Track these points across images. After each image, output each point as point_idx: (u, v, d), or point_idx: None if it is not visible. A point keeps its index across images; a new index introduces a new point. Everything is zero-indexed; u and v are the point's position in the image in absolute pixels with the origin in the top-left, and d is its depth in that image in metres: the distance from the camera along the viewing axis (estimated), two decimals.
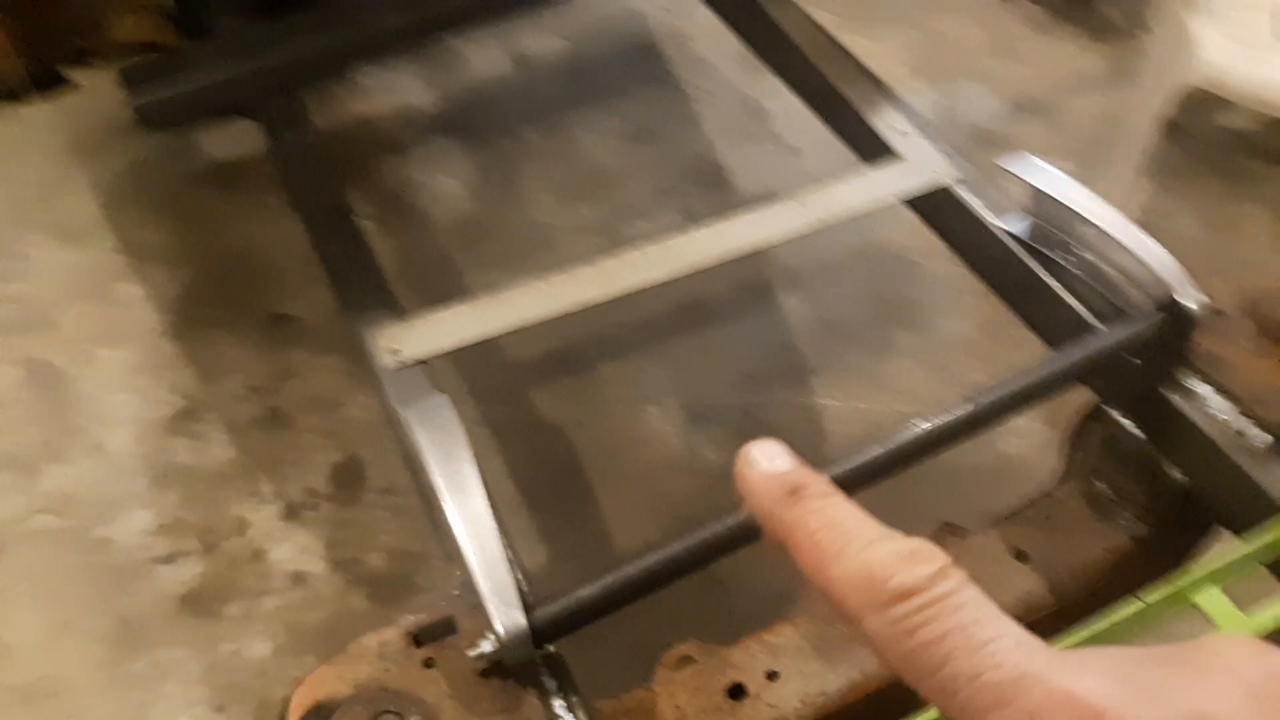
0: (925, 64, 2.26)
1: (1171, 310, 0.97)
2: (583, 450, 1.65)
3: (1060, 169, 2.04)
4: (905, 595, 0.39)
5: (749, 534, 0.91)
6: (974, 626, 0.38)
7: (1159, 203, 1.95)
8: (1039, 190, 1.07)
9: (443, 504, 0.88)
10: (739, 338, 1.80)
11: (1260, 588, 0.89)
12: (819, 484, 0.44)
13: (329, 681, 0.85)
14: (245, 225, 1.84)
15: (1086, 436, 1.11)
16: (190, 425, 1.64)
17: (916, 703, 0.71)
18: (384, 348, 1.06)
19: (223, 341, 1.73)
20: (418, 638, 0.87)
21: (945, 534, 1.14)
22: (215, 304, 1.77)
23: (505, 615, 0.81)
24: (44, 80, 1.38)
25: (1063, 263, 1.09)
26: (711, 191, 1.99)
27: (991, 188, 1.18)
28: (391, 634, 0.87)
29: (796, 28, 1.36)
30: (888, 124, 1.25)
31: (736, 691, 0.93)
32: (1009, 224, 1.14)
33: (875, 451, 0.93)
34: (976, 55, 2.29)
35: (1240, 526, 0.96)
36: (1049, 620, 1.01)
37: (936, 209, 1.21)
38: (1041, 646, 0.38)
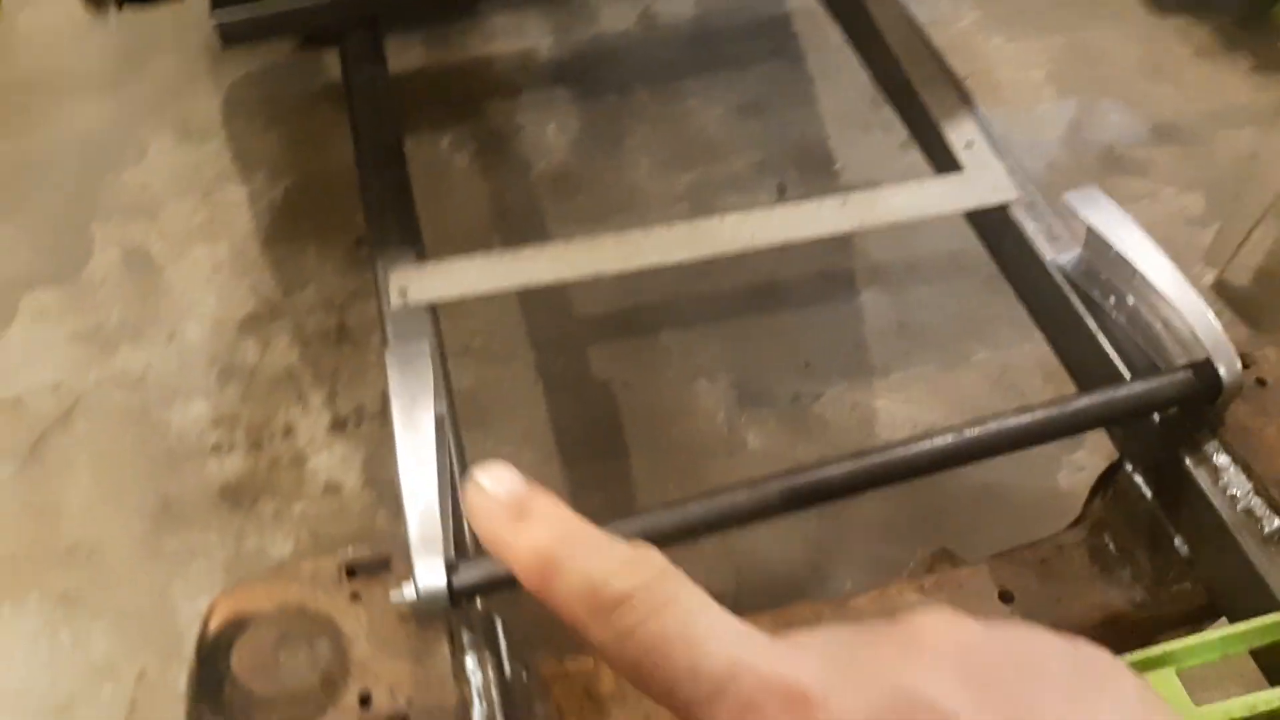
0: (1065, 74, 2.16)
1: (1202, 373, 0.91)
2: (626, 413, 1.65)
3: (1183, 201, 1.95)
4: (624, 599, 0.38)
5: (694, 528, 0.92)
6: (691, 623, 0.38)
7: None
8: (1092, 229, 1.02)
9: (395, 447, 0.89)
10: (807, 325, 1.77)
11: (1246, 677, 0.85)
12: (547, 503, 0.44)
13: (255, 596, 0.87)
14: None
15: (1105, 488, 1.07)
16: (261, 327, 1.71)
17: None
18: (394, 287, 1.08)
19: (307, 253, 1.79)
20: (352, 570, 0.89)
21: (939, 560, 1.11)
22: (308, 217, 1.84)
23: (426, 566, 0.82)
24: None
25: (1106, 306, 1.03)
26: (811, 175, 1.95)
27: (1052, 214, 1.12)
28: (328, 562, 0.89)
29: (890, 22, 1.32)
30: (958, 134, 1.20)
31: None
32: (1061, 256, 1.08)
33: (865, 460, 0.92)
34: (1123, 72, 2.17)
35: (1235, 612, 0.90)
36: None
37: (991, 228, 1.16)
38: (759, 636, 0.38)
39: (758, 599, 1.49)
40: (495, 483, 0.45)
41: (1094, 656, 0.39)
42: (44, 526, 1.55)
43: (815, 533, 1.54)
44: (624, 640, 0.38)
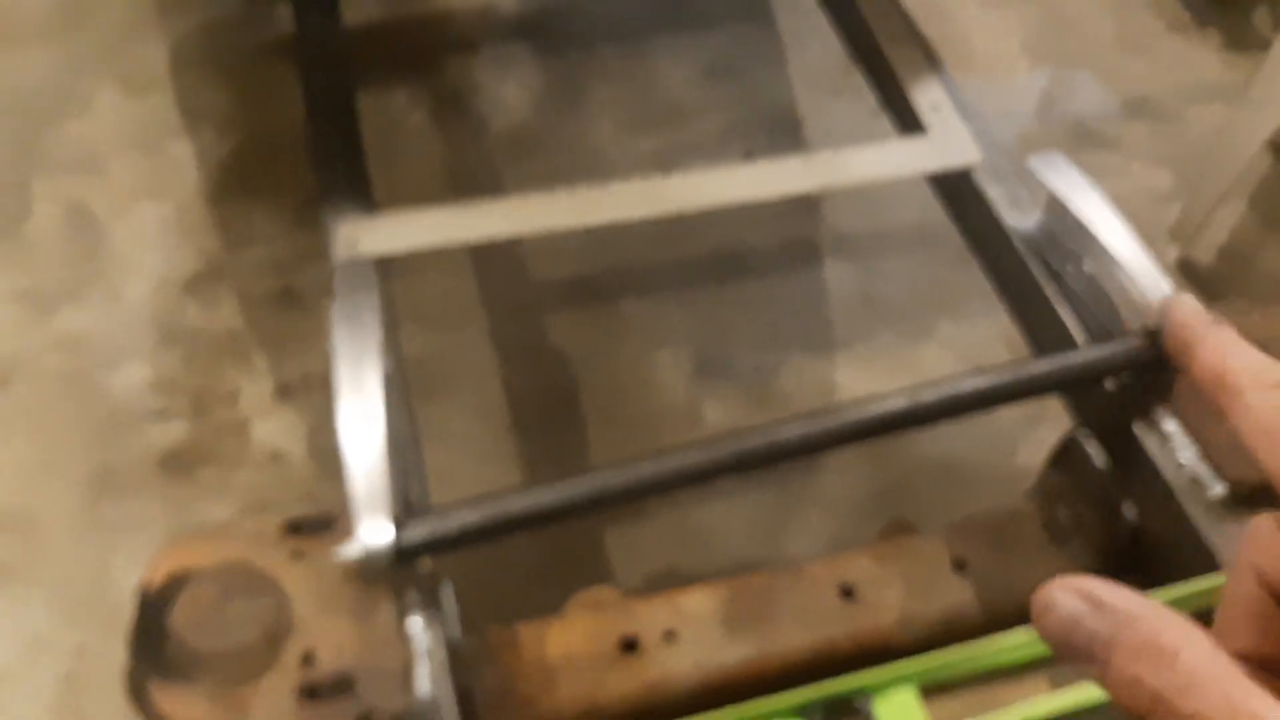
0: (1038, 44, 2.13)
1: (1153, 339, 0.89)
2: (584, 383, 1.61)
3: (1151, 176, 1.93)
4: None
5: (644, 489, 0.89)
6: None
7: (1252, 232, 1.81)
8: (1053, 194, 0.99)
9: (337, 401, 0.86)
10: (771, 296, 1.73)
11: None
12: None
13: (195, 552, 0.85)
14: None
15: (1060, 457, 1.05)
16: (206, 289, 1.66)
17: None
18: (343, 238, 1.04)
19: (256, 213, 1.73)
20: (296, 528, 0.87)
21: (894, 530, 1.09)
22: (258, 175, 1.78)
23: (371, 524, 0.80)
24: None
25: (1065, 272, 1.01)
26: (780, 140, 1.91)
27: (1015, 180, 1.09)
28: (272, 520, 0.87)
29: None
30: (924, 96, 1.17)
31: (630, 645, 0.92)
32: (1022, 221, 1.06)
33: (816, 422, 0.90)
34: (1098, 44, 2.14)
35: (1181, 576, 0.89)
36: (976, 630, 0.97)
37: (954, 192, 1.13)
38: None
39: (713, 572, 1.46)
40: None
41: None
42: None
43: (773, 508, 1.51)
44: None
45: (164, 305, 1.63)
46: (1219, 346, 0.60)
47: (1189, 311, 0.74)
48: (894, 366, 1.67)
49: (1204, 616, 0.82)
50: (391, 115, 1.91)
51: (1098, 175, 1.95)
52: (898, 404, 0.90)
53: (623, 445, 1.56)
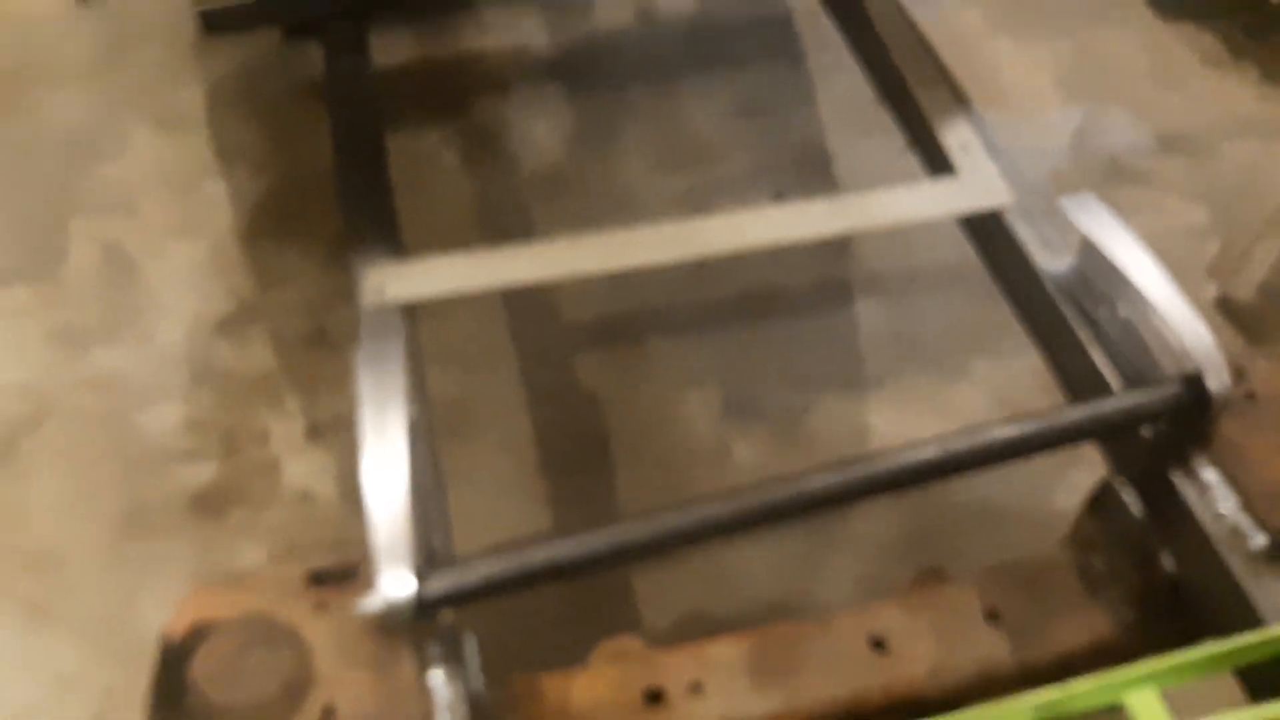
0: (1072, 79, 2.11)
1: (1191, 386, 0.88)
2: (613, 424, 1.61)
3: (1187, 213, 1.90)
4: None
5: (668, 541, 0.88)
6: None
7: None
8: (1086, 238, 0.97)
9: (360, 449, 0.86)
10: (801, 335, 1.72)
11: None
12: None
13: (218, 603, 0.85)
14: None
15: (1095, 504, 1.03)
16: (239, 329, 1.67)
17: None
18: (371, 285, 1.05)
19: (289, 252, 1.75)
20: (318, 578, 0.86)
21: (926, 579, 1.07)
22: (291, 216, 1.80)
23: (392, 576, 0.80)
24: None
25: (1099, 316, 1.00)
26: (809, 178, 1.90)
27: (1047, 221, 1.08)
28: (295, 570, 0.87)
29: (887, 21, 1.28)
30: (954, 137, 1.16)
31: (656, 696, 0.90)
32: (1054, 264, 1.04)
33: (844, 473, 0.90)
34: (1132, 78, 2.12)
35: (1221, 630, 0.87)
36: (1010, 683, 0.95)
37: (985, 234, 1.12)
38: None
39: (742, 616, 1.44)
40: None
41: None
42: (11, 531, 1.51)
43: (803, 551, 1.49)
44: None
45: (197, 345, 1.65)
46: None
47: None
48: (926, 407, 1.65)
49: (1245, 673, 0.81)
50: (424, 155, 1.92)
51: (1132, 211, 1.92)
52: (929, 453, 0.88)
53: (651, 485, 1.55)
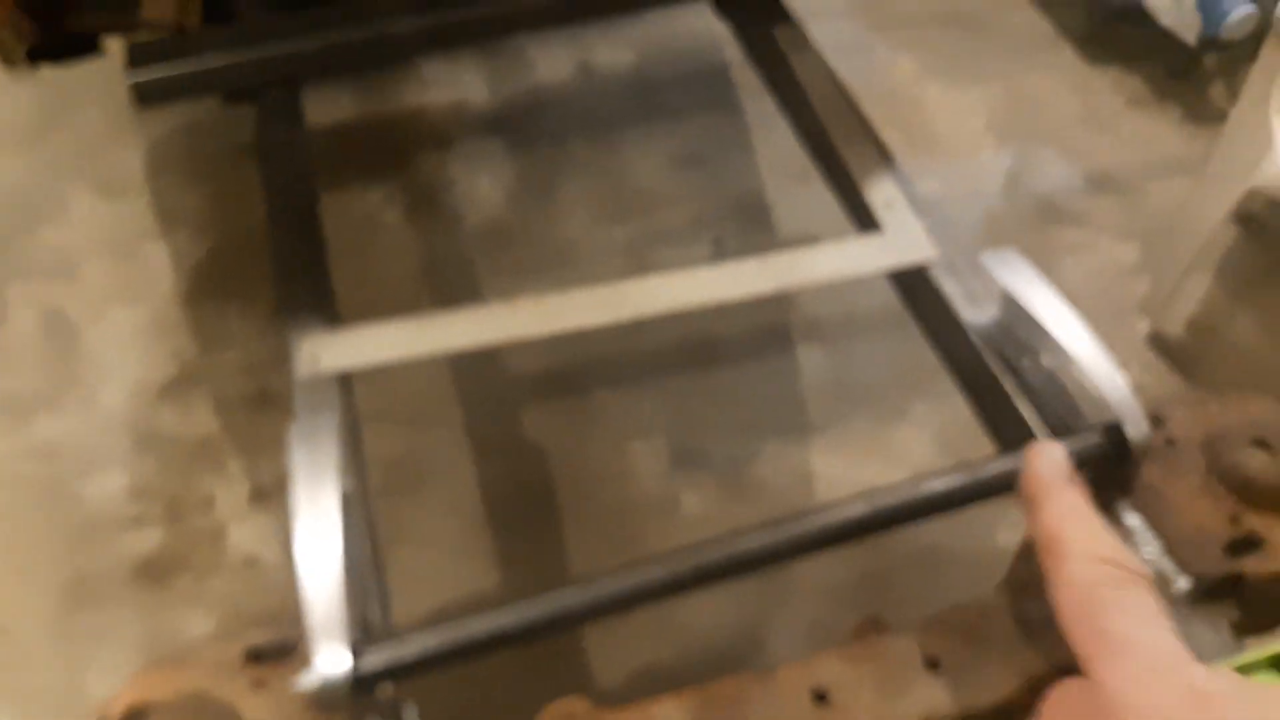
0: (1003, 123, 2.16)
1: (1110, 435, 0.90)
2: (560, 477, 1.61)
3: (1118, 251, 1.95)
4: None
5: (606, 607, 0.89)
6: None
7: (1221, 304, 1.82)
8: (1006, 292, 1.00)
9: (293, 527, 0.86)
10: (744, 383, 1.74)
11: None
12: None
13: (154, 684, 0.84)
14: None
15: (1028, 550, 1.05)
16: (181, 393, 1.66)
17: None
18: (305, 355, 1.05)
19: (231, 315, 1.75)
20: (257, 655, 0.86)
21: (866, 629, 1.08)
22: (233, 277, 1.80)
23: (328, 652, 0.79)
24: (82, 47, 1.42)
25: (1022, 367, 1.02)
26: (749, 229, 1.93)
27: (971, 274, 1.10)
28: (231, 647, 0.87)
29: (812, 77, 1.31)
30: (879, 194, 1.18)
31: None
32: (978, 317, 1.07)
33: (779, 534, 0.91)
34: (1061, 121, 2.18)
35: None
36: None
37: (911, 288, 1.14)
38: None
39: (695, 668, 1.45)
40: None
41: None
42: None
43: (754, 601, 1.50)
44: None
45: (139, 411, 1.64)
46: (1060, 509, 0.66)
47: (1046, 464, 0.76)
48: (868, 449, 1.68)
49: None
50: (366, 212, 1.93)
51: (1065, 251, 1.99)
52: (857, 510, 0.91)
53: (600, 539, 1.55)
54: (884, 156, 1.21)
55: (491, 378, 1.71)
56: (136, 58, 1.28)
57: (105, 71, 1.96)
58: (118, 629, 1.46)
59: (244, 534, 1.53)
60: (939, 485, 0.93)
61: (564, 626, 0.88)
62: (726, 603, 1.51)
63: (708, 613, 1.49)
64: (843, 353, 1.80)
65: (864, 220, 1.19)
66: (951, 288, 1.10)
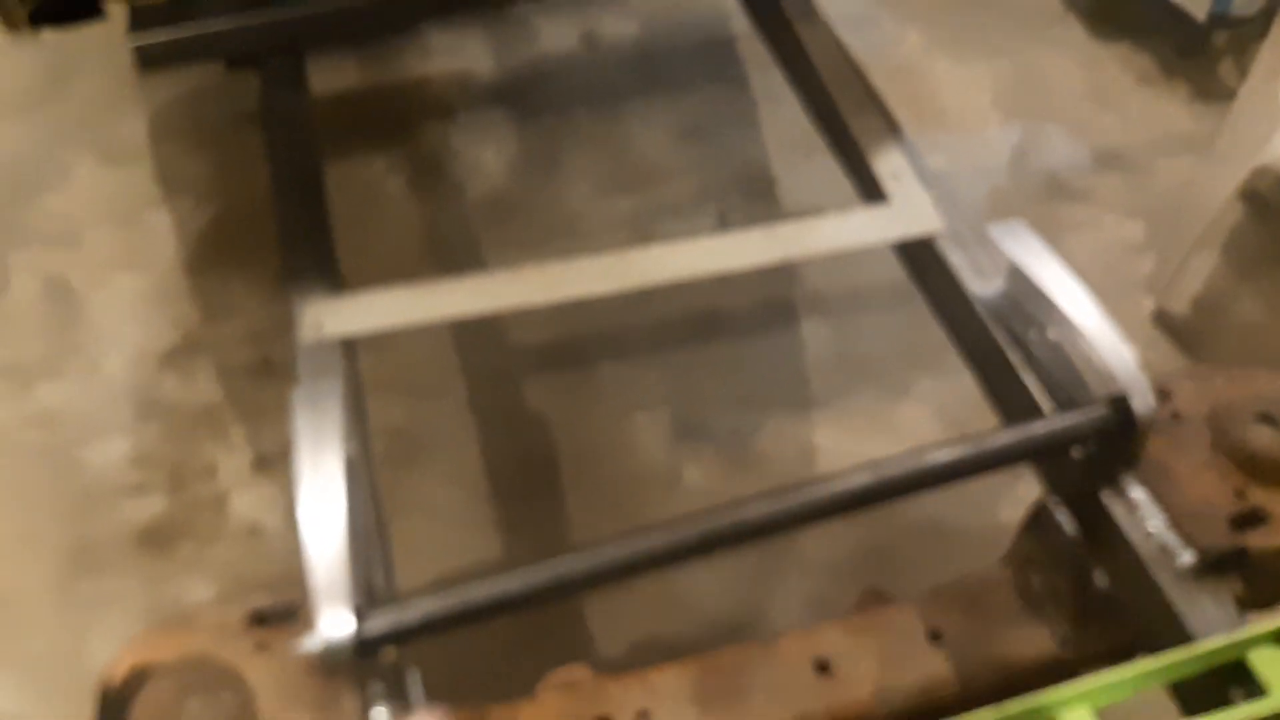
0: (1010, 99, 2.15)
1: (1117, 408, 0.90)
2: (563, 448, 1.62)
3: (1124, 228, 1.94)
4: None
5: (609, 574, 0.89)
6: None
7: (1226, 281, 1.81)
8: (1014, 264, 1.00)
9: (297, 491, 0.86)
10: (748, 357, 1.74)
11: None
12: None
13: (157, 646, 0.85)
14: None
15: (1031, 524, 1.05)
16: (184, 361, 1.66)
17: None
18: (309, 321, 1.05)
19: (233, 283, 1.74)
20: (260, 618, 0.87)
21: (869, 599, 1.09)
22: (235, 245, 1.79)
23: (331, 615, 0.80)
24: (84, 10, 1.41)
25: (1029, 340, 1.02)
26: (752, 200, 1.92)
27: (978, 246, 1.10)
28: (235, 611, 0.87)
29: (820, 49, 1.30)
30: (886, 165, 1.18)
31: None
32: (985, 289, 1.06)
33: (784, 503, 0.91)
34: (1068, 98, 2.17)
35: (1153, 646, 0.89)
36: (953, 702, 0.96)
37: (918, 259, 1.14)
38: None
39: (696, 641, 1.45)
40: None
41: None
42: None
43: (755, 573, 1.51)
44: None
45: (142, 378, 1.64)
46: None
47: None
48: (871, 424, 1.67)
49: (1177, 687, 0.83)
50: (370, 182, 1.92)
51: (1071, 228, 1.97)
52: (862, 480, 0.90)
53: (602, 510, 1.55)
54: (891, 127, 1.21)
55: (495, 350, 1.71)
56: (139, 21, 1.27)
57: (107, 39, 1.96)
58: (120, 596, 1.46)
59: (246, 501, 1.54)
60: (943, 456, 0.92)
61: (566, 593, 0.88)
62: (726, 576, 1.51)
63: (707, 586, 1.49)
64: (846, 327, 1.79)
65: (870, 191, 1.19)
66: (958, 259, 1.09)
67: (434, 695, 0.88)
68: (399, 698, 0.83)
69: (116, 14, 1.41)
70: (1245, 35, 2.17)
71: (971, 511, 1.58)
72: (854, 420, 1.68)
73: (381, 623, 0.81)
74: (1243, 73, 2.16)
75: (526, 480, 1.59)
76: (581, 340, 1.73)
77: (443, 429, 1.62)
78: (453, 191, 1.91)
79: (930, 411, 1.70)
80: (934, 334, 1.78)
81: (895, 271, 1.82)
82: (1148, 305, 1.81)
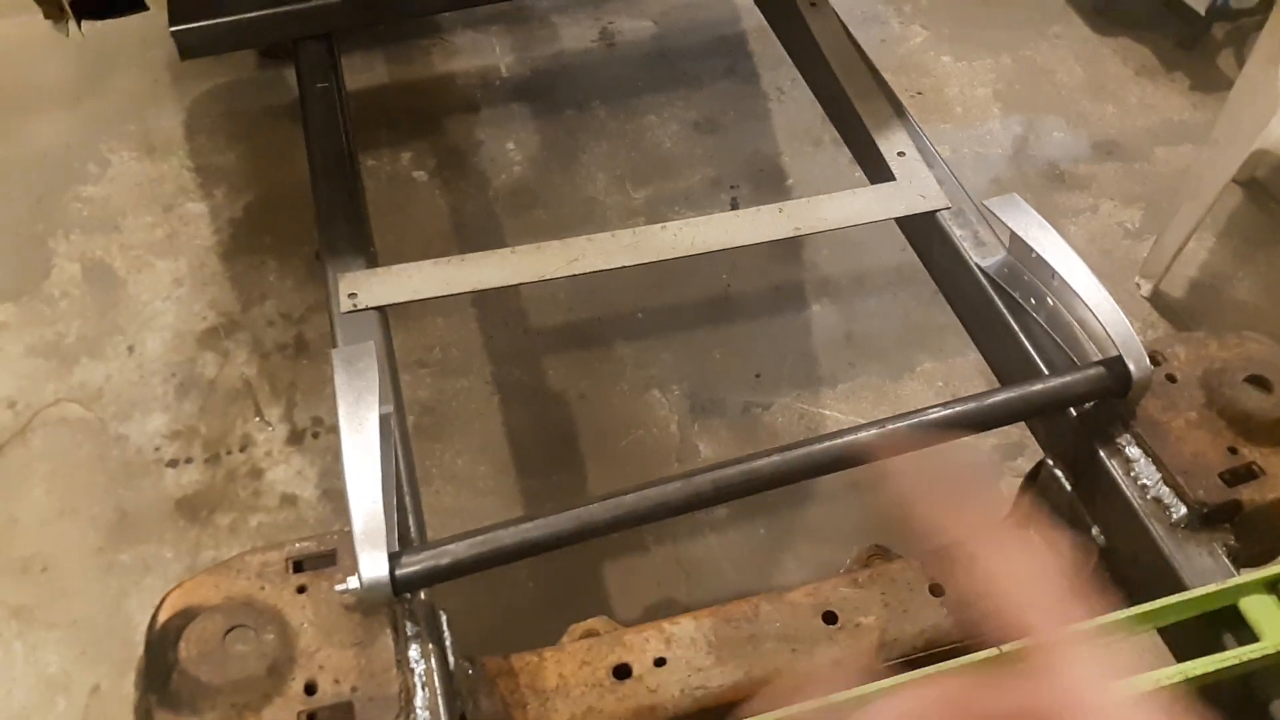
0: (1011, 92, 2.21)
1: (1113, 369, 0.95)
2: (581, 424, 1.68)
3: (1122, 215, 1.99)
4: None
5: (626, 520, 0.94)
6: None
7: (1223, 265, 1.87)
8: (1014, 233, 1.05)
9: (341, 442, 0.91)
10: (759, 337, 1.80)
11: None
12: None
13: (204, 589, 0.89)
14: None
15: (1031, 483, 1.10)
16: (220, 341, 1.73)
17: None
18: (345, 291, 1.11)
19: (267, 267, 1.81)
20: (299, 564, 0.92)
21: (873, 555, 1.14)
22: (268, 231, 1.86)
23: (369, 557, 0.85)
24: (126, 3, 1.48)
25: (1028, 306, 1.07)
26: (763, 190, 1.99)
27: (979, 221, 1.16)
28: (274, 556, 0.91)
29: (828, 37, 1.36)
30: (892, 146, 1.24)
31: (623, 671, 0.96)
32: (986, 259, 1.12)
33: (789, 454, 0.95)
34: (1068, 91, 2.23)
35: (1147, 596, 0.94)
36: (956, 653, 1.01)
37: (922, 234, 1.20)
38: None
39: (708, 604, 1.51)
40: None
41: None
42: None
43: (763, 540, 1.57)
44: None
45: (180, 357, 1.71)
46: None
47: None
48: (877, 401, 1.74)
49: (1168, 633, 0.87)
50: (397, 174, 1.99)
51: (1071, 214, 2.04)
52: (869, 435, 0.95)
53: (620, 482, 1.56)
54: (897, 109, 1.27)
55: (517, 331, 1.77)
56: (179, 12, 1.34)
57: (145, 35, 2.04)
58: (158, 563, 1.53)
59: (281, 474, 1.60)
60: (946, 413, 0.96)
61: (583, 537, 0.92)
62: (738, 545, 1.57)
63: (719, 553, 1.56)
64: (853, 309, 1.85)
65: (877, 171, 1.24)
66: (960, 232, 1.15)
67: (469, 646, 0.93)
68: (432, 638, 0.87)
69: (154, 11, 1.48)
70: (1244, 28, 2.23)
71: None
72: (860, 397, 1.74)
73: (415, 565, 0.85)
74: (1242, 64, 2.22)
75: (548, 454, 1.65)
76: (599, 323, 1.79)
77: (468, 406, 1.68)
78: (476, 182, 1.97)
79: (932, 388, 1.76)
80: (934, 316, 1.86)
81: (899, 258, 1.90)
82: (1145, 288, 1.86)
